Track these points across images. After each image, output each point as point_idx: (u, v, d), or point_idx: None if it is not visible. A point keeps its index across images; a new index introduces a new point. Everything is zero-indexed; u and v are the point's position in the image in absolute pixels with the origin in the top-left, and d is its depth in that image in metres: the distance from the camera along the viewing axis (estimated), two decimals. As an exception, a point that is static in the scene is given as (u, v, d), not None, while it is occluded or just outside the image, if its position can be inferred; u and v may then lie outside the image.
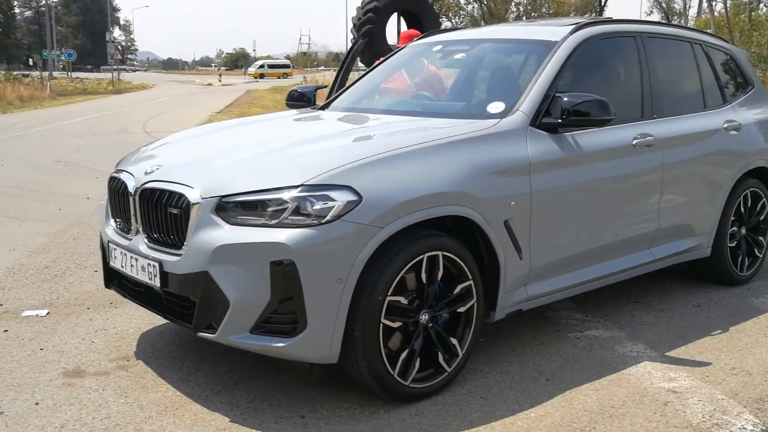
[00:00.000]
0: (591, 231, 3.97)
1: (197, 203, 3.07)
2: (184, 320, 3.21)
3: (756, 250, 5.16)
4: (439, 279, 3.27)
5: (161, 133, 16.69)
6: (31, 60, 66.48)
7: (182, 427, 3.06)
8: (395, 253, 3.07)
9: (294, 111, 4.85)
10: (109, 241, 3.58)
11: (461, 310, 3.37)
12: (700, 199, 4.63)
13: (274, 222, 2.97)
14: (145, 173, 3.37)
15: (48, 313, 4.46)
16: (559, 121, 3.66)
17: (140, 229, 3.35)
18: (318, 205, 2.94)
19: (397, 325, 3.15)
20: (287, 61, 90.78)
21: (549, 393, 3.40)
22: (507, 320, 3.74)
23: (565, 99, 3.65)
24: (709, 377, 3.58)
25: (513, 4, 51.42)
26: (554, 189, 3.67)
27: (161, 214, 3.22)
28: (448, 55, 4.65)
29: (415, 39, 5.16)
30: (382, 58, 5.25)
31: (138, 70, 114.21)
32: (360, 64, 14.99)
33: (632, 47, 4.41)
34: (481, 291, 3.42)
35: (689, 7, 60.78)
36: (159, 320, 4.30)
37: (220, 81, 61.46)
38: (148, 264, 3.24)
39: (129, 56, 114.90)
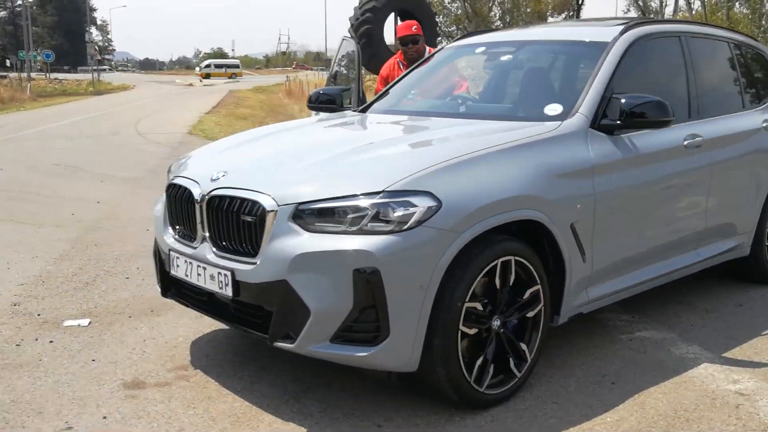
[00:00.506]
0: (647, 232, 3.98)
1: (273, 210, 3.02)
2: (257, 330, 3.16)
3: (790, 249, 5.21)
4: (510, 284, 3.25)
5: (155, 135, 16.57)
6: (7, 61, 65.60)
7: (260, 438, 3.03)
8: (472, 258, 3.05)
9: (332, 114, 4.79)
10: (170, 250, 3.51)
11: (530, 315, 3.36)
12: (742, 198, 4.67)
13: (354, 229, 2.93)
14: (211, 180, 3.32)
15: (90, 322, 4.38)
16: (618, 122, 3.66)
17: (207, 237, 3.30)
18: (400, 212, 2.91)
19: (473, 331, 3.13)
20: (236, 61, 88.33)
21: (618, 397, 3.39)
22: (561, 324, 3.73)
23: (623, 100, 3.64)
24: (771, 378, 3.60)
25: (495, 3, 51.58)
26: (615, 190, 3.67)
27: (232, 221, 3.17)
28: (494, 57, 4.63)
29: (456, 39, 5.13)
30: (420, 60, 5.19)
31: (125, 70, 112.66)
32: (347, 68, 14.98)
33: (677, 47, 4.43)
34: (548, 295, 3.41)
35: (665, 5, 61.35)
36: (206, 328, 4.25)
37: (201, 81, 61.06)
38: (219, 273, 3.19)
39: (106, 56, 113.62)
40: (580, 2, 63.49)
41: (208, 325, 4.30)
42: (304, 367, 3.65)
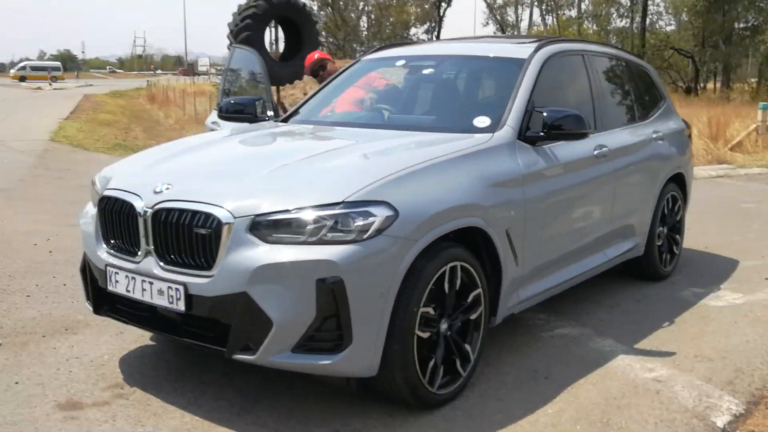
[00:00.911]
0: (566, 236, 4.25)
1: (229, 223, 3.00)
2: (211, 343, 3.12)
3: (674, 248, 5.71)
4: (456, 289, 3.39)
5: (15, 142, 15.54)
6: None
7: (221, 452, 2.99)
8: (425, 265, 3.16)
9: (253, 124, 4.74)
10: (107, 265, 3.38)
11: (473, 317, 3.51)
12: (639, 203, 5.08)
13: (313, 239, 2.96)
14: (155, 192, 3.23)
15: (0, 344, 4.11)
16: (542, 134, 3.90)
17: (152, 251, 3.21)
18: (360, 221, 2.97)
19: (426, 335, 3.24)
20: (57, 63, 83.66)
21: (553, 390, 3.61)
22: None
23: (546, 114, 3.89)
24: (680, 365, 3.95)
25: (364, 12, 52.29)
26: (540, 197, 3.90)
27: (183, 234, 3.10)
28: (416, 70, 4.77)
29: (368, 53, 5.22)
30: (333, 73, 5.24)
31: None
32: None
33: (582, 65, 4.76)
34: (488, 298, 3.58)
35: (521, 19, 64.63)
36: (131, 344, 4.11)
37: (50, 85, 57.61)
38: (169, 287, 3.12)
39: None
40: (441, 15, 65.78)
41: (132, 341, 4.17)
42: (246, 379, 3.62)
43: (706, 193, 9.56)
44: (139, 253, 3.26)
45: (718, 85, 43.71)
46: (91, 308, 3.63)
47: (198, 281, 3.05)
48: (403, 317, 3.08)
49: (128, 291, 3.29)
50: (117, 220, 3.38)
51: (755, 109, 16.44)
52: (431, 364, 3.28)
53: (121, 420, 3.24)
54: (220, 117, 5.05)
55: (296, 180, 3.23)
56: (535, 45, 4.42)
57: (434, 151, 3.52)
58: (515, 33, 57.30)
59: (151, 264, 3.21)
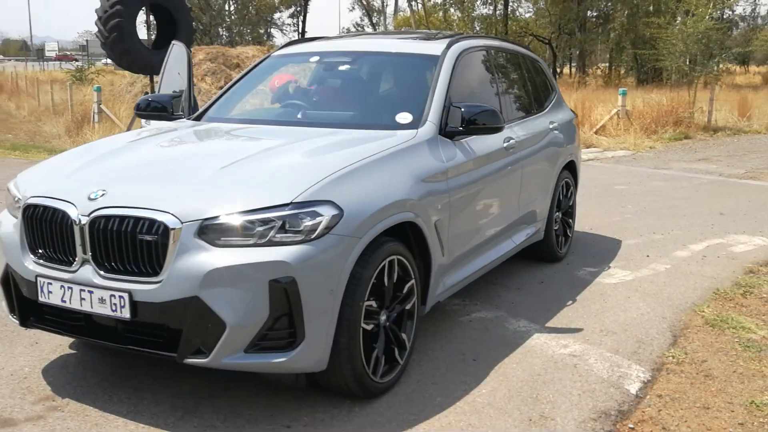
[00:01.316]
0: (483, 224, 4.48)
1: (176, 228, 2.98)
2: (158, 349, 3.09)
3: (568, 231, 6.12)
4: (394, 281, 3.52)
5: None
6: None
7: (176, 456, 2.98)
8: (368, 261, 3.27)
9: (171, 123, 4.64)
10: (38, 276, 3.26)
11: (408, 307, 3.66)
12: (540, 190, 5.40)
13: (263, 241, 3.00)
14: (89, 199, 3.15)
15: None
16: (461, 129, 4.09)
17: (90, 260, 3.13)
18: (308, 221, 3.04)
19: (370, 327, 3.36)
20: None
21: (483, 371, 3.83)
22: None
23: (463, 109, 4.08)
24: (590, 340, 4.28)
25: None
26: (461, 189, 4.09)
27: (125, 242, 3.05)
28: (331, 67, 4.82)
29: (278, 49, 5.22)
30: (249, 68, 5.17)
31: None
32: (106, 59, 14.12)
33: (487, 60, 5.00)
34: (419, 288, 3.74)
35: (386, 5, 65.44)
36: (50, 354, 3.98)
37: None
38: (111, 295, 3.06)
39: None
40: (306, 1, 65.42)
41: (50, 351, 4.02)
42: (181, 382, 3.61)
43: (581, 177, 10.18)
44: (75, 262, 3.17)
45: (574, 70, 46.23)
46: (17, 321, 3.48)
47: (144, 288, 3.01)
48: (350, 312, 3.18)
49: (63, 301, 3.19)
50: (47, 228, 3.26)
51: (612, 94, 17.60)
52: (374, 354, 3.40)
53: (61, 429, 3.15)
54: (137, 114, 4.87)
55: (240, 182, 3.24)
56: (446, 42, 4.61)
57: (367, 149, 3.63)
58: (379, 19, 57.93)
59: (89, 273, 3.13)
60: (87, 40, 66.50)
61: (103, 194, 3.16)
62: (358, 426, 3.25)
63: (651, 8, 41.72)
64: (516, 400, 3.50)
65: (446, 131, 4.09)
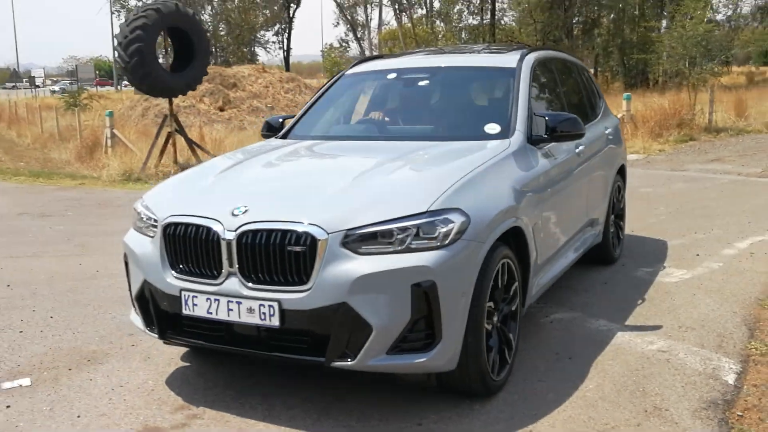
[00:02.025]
0: (564, 227, 4.71)
1: (323, 239, 3.19)
2: (304, 354, 3.29)
3: (620, 233, 6.36)
4: (504, 283, 3.74)
5: None
6: None
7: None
8: (489, 264, 3.49)
9: (265, 142, 4.90)
10: (182, 290, 3.45)
11: (513, 308, 3.88)
12: (601, 194, 5.65)
13: (402, 248, 3.22)
14: (233, 215, 3.36)
15: (31, 382, 4.03)
16: (546, 136, 4.33)
17: (237, 272, 3.33)
18: (442, 228, 3.26)
19: (489, 327, 3.57)
20: None
21: (582, 368, 4.04)
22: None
23: (548, 118, 4.32)
24: (672, 336, 4.51)
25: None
26: (548, 194, 4.32)
27: (273, 253, 3.25)
28: (411, 83, 5.06)
29: (349, 67, 5.44)
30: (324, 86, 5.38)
31: None
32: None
33: (553, 70, 5.25)
34: (521, 290, 3.97)
35: (371, 19, 65.85)
36: (168, 368, 4.18)
37: None
38: (260, 305, 3.26)
39: None
40: (291, 16, 65.87)
41: (165, 364, 4.22)
42: (304, 388, 3.82)
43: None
44: (220, 275, 3.37)
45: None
46: (155, 335, 3.67)
47: (292, 296, 3.22)
48: (477, 312, 3.40)
49: (210, 313, 3.39)
50: (190, 245, 3.45)
51: (609, 99, 17.89)
52: (491, 354, 3.61)
53: (203, 436, 3.34)
54: (263, 135, 5.18)
55: (373, 193, 3.46)
56: (518, 54, 4.86)
57: (474, 159, 3.86)
58: (364, 33, 58.36)
59: (235, 285, 3.33)
60: (76, 66, 66.48)
61: (245, 210, 3.36)
62: (485, 422, 3.45)
63: (636, 12, 42.48)
64: (625, 394, 3.71)
65: (532, 139, 4.32)
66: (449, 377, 3.51)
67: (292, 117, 5.18)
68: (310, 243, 3.20)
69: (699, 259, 6.27)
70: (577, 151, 4.93)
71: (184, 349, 4.38)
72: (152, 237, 3.67)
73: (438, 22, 50.86)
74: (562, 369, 4.05)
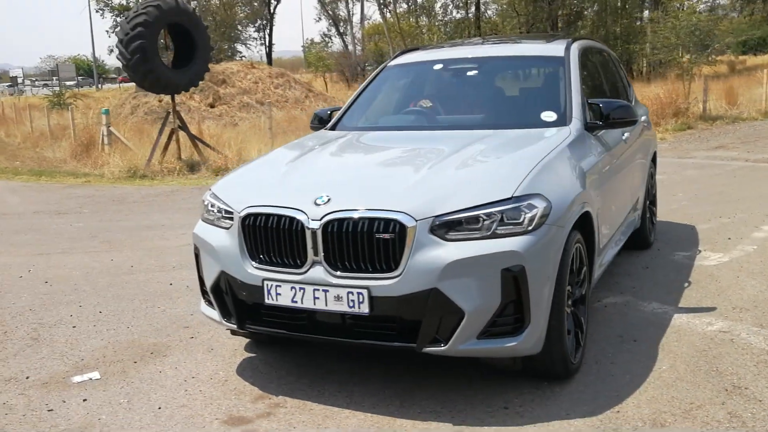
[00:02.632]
0: (616, 213, 4.75)
1: (412, 226, 3.19)
2: (392, 341, 3.30)
3: (653, 218, 6.43)
4: (577, 267, 3.77)
5: None
6: None
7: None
8: (567, 248, 3.52)
9: (325, 133, 4.89)
10: (264, 280, 3.45)
11: (583, 292, 3.91)
12: (639, 179, 5.70)
13: (489, 233, 3.22)
14: (316, 204, 3.35)
15: (100, 375, 4.01)
16: (601, 123, 4.36)
17: (322, 261, 3.33)
18: (527, 213, 3.27)
19: (568, 311, 3.60)
20: None
21: (650, 350, 4.08)
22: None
23: (602, 105, 4.35)
24: (728, 317, 4.56)
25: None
26: (607, 180, 4.35)
27: (361, 241, 3.25)
28: (459, 73, 5.06)
29: (392, 59, 5.43)
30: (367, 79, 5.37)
31: None
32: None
33: (593, 58, 5.28)
34: (589, 273, 3.99)
35: (353, 14, 65.69)
36: (235, 358, 4.17)
37: None
38: (349, 293, 3.26)
39: None
40: (272, 12, 65.60)
41: (230, 356, 4.22)
42: (379, 375, 3.83)
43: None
44: (305, 264, 3.36)
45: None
46: (234, 325, 3.66)
47: (382, 283, 3.22)
48: (559, 296, 3.43)
49: (294, 302, 3.38)
50: (272, 235, 3.44)
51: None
52: (570, 336, 3.64)
53: (300, 427, 3.34)
54: (312, 127, 5.20)
55: (455, 181, 3.46)
56: (564, 43, 4.88)
57: (543, 146, 3.87)
58: (347, 28, 58.25)
59: (321, 273, 3.33)
60: (57, 65, 65.72)
61: (328, 199, 3.35)
62: (570, 404, 3.47)
63: (619, 4, 42.73)
64: (700, 374, 3.75)
65: (588, 126, 4.34)
66: (534, 360, 3.52)
67: (339, 109, 5.17)
68: (399, 230, 3.21)
69: (732, 243, 6.34)
70: (623, 138, 4.97)
71: (245, 340, 4.38)
72: (227, 228, 3.65)
73: (422, 17, 50.85)
74: (630, 351, 4.08)
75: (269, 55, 65.46)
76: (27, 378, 4.01)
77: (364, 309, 3.25)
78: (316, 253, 3.34)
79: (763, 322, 4.45)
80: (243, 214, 3.54)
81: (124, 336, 4.62)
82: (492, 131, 4.28)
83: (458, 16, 48.33)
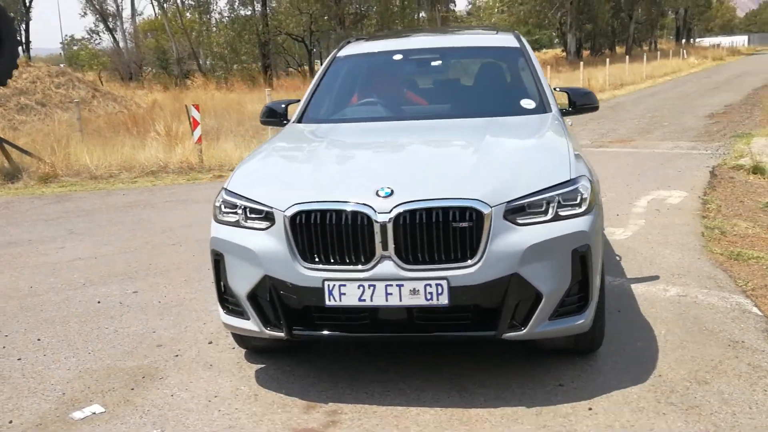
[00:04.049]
0: None
1: (488, 213, 3.18)
2: (474, 330, 3.29)
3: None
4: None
5: None
6: None
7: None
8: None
9: (312, 125, 4.66)
10: (324, 280, 3.24)
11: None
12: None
13: (551, 216, 3.30)
14: (379, 197, 3.22)
15: (104, 409, 3.53)
16: (571, 110, 4.61)
17: (392, 255, 3.20)
18: (584, 194, 3.39)
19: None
20: None
21: (639, 320, 4.36)
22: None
23: (570, 92, 4.61)
24: (675, 283, 5.01)
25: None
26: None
27: (437, 232, 3.18)
28: (423, 64, 5.04)
29: (342, 49, 5.27)
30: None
31: None
32: None
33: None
34: None
35: (122, 8, 62.23)
36: (243, 372, 3.86)
37: None
38: (426, 285, 3.17)
39: None
40: (28, 6, 60.17)
41: (236, 369, 3.93)
42: (411, 367, 3.79)
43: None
44: (372, 259, 3.21)
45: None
46: (280, 333, 3.40)
47: (460, 273, 3.17)
48: (602, 274, 3.59)
49: (362, 300, 3.22)
50: (332, 232, 3.24)
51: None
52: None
53: (378, 430, 3.20)
54: (262, 121, 4.95)
55: (508, 167, 3.48)
56: (511, 34, 5.10)
57: (554, 131, 4.04)
58: (116, 24, 55.06)
59: (391, 268, 3.20)
60: None
61: (391, 191, 3.23)
62: (616, 375, 3.63)
63: (398, 3, 44.68)
64: (698, 335, 4.10)
65: (563, 112, 4.57)
66: (584, 337, 3.66)
67: (294, 102, 4.96)
68: (476, 218, 3.18)
69: (622, 219, 6.98)
70: (570, 123, 5.28)
71: (240, 353, 4.08)
72: (264, 229, 3.39)
73: (203, 14, 49.11)
74: (623, 321, 4.35)
75: (27, 53, 59.87)
76: (11, 422, 3.42)
77: (443, 300, 3.18)
78: (385, 248, 3.20)
79: (706, 284, 4.98)
80: (290, 212, 3.30)
81: (93, 363, 4.09)
82: (486, 119, 4.33)
83: (245, 12, 47.35)
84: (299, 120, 4.72)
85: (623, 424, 3.18)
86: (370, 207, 3.21)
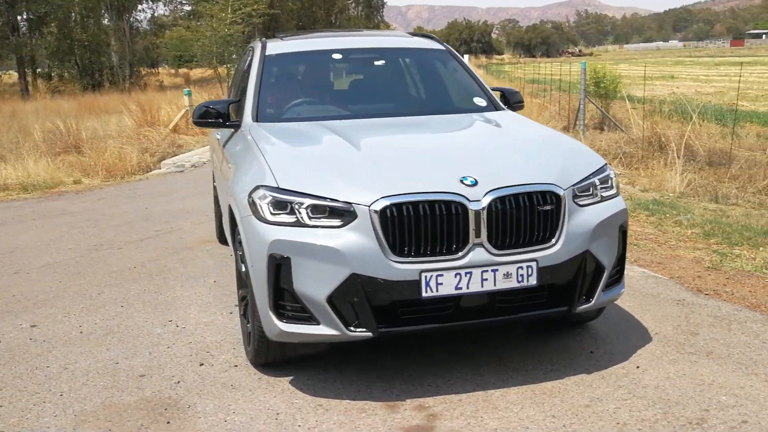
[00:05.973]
0: None
1: (562, 195, 3.38)
2: (543, 308, 3.44)
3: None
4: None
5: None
6: None
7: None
8: None
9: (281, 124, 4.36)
10: (421, 272, 3.16)
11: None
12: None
13: (598, 198, 3.60)
14: (465, 185, 3.25)
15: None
16: (506, 108, 4.93)
17: (484, 242, 3.24)
18: (614, 178, 3.75)
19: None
20: None
21: (618, 306, 4.60)
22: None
23: (504, 92, 4.93)
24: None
25: None
26: None
27: (524, 216, 3.29)
28: (366, 63, 4.97)
29: (264, 46, 4.93)
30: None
31: None
32: None
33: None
34: None
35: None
36: (278, 386, 3.58)
37: None
38: (518, 268, 3.27)
39: None
40: None
41: (265, 385, 3.63)
42: (435, 352, 3.88)
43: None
44: (465, 247, 3.22)
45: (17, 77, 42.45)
46: (366, 332, 3.25)
47: (545, 253, 3.32)
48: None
49: (458, 288, 3.21)
50: (425, 223, 3.19)
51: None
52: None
53: (477, 417, 3.22)
54: (196, 122, 4.46)
55: (558, 155, 3.72)
56: (431, 37, 5.32)
57: (544, 127, 4.35)
58: None
59: (483, 254, 3.24)
60: None
61: (475, 180, 3.27)
62: (642, 342, 3.97)
63: (81, 12, 41.17)
64: (672, 322, 4.34)
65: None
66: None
67: (233, 102, 4.63)
68: (556, 201, 3.36)
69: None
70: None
71: (251, 371, 3.75)
72: (340, 226, 3.21)
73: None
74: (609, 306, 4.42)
75: None
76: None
77: (533, 281, 3.30)
78: (477, 235, 3.24)
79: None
80: (378, 207, 3.18)
81: (100, 399, 3.46)
82: (464, 115, 4.59)
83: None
84: (255, 119, 4.38)
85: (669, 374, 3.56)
86: (464, 196, 3.23)
